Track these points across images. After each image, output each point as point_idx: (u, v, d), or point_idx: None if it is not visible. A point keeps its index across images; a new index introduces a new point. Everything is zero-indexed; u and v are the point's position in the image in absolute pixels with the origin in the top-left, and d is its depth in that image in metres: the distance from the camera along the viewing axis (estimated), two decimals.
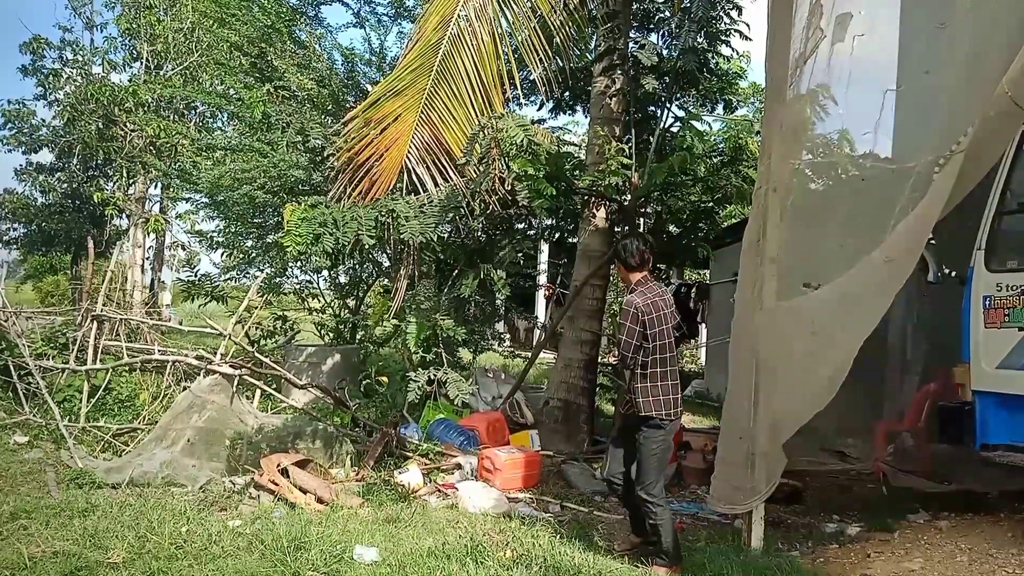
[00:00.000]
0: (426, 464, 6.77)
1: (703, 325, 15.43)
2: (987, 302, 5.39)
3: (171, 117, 19.43)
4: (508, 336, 15.91)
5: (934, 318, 6.91)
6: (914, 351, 7.55)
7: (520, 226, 9.89)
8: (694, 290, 14.49)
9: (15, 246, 24.05)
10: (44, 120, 22.37)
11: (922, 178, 4.36)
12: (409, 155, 7.08)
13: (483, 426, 7.62)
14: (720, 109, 9.90)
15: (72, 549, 4.54)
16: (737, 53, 9.63)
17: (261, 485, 5.85)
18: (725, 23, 8.88)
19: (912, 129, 4.90)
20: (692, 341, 17.51)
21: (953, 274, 6.30)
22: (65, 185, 22.92)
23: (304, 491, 5.77)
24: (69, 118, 20.08)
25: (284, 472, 5.94)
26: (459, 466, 6.73)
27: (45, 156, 22.93)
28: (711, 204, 9.16)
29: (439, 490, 6.31)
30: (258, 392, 7.91)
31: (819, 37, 4.72)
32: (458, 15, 7.16)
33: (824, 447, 7.83)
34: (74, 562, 4.30)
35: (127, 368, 8.32)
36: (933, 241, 4.66)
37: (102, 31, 22.41)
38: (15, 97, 22.42)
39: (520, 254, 10.38)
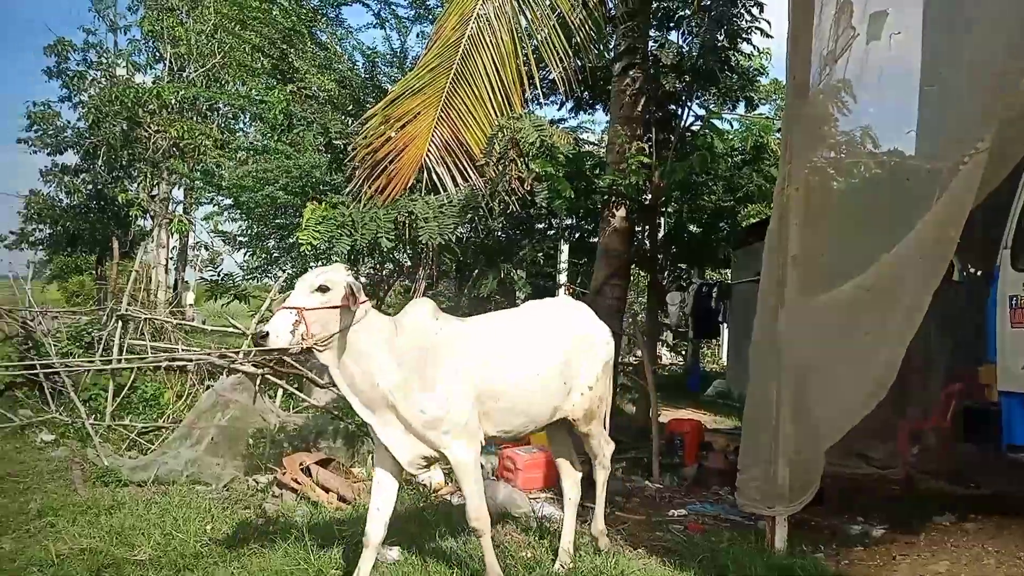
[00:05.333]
0: (447, 463, 6.78)
1: (724, 325, 15.41)
2: (1013, 301, 5.32)
3: (194, 118, 19.59)
4: None
5: (959, 317, 6.83)
6: (938, 351, 7.46)
7: (540, 226, 9.90)
8: (715, 290, 14.47)
9: (41, 247, 24.34)
10: (69, 122, 22.63)
11: (948, 176, 4.32)
12: (429, 154, 7.08)
13: None
14: (741, 107, 9.85)
15: (99, 546, 4.61)
16: (758, 50, 9.57)
17: (284, 483, 5.91)
18: (746, 20, 8.83)
19: (937, 127, 4.85)
20: (714, 340, 17.48)
21: (979, 273, 6.23)
22: (90, 186, 23.16)
23: (327, 490, 5.82)
24: (94, 120, 20.32)
25: (306, 471, 5.99)
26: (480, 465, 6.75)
27: (70, 158, 23.19)
28: (732, 203, 9.11)
29: (459, 489, 6.33)
30: (280, 391, 7.97)
31: (851, 35, 4.68)
32: (477, 14, 7.16)
33: (847, 449, 7.77)
34: (101, 559, 4.37)
35: (152, 367, 8.40)
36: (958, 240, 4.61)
37: (125, 33, 22.60)
38: (40, 99, 22.58)
39: (540, 254, 10.38)
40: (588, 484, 4.99)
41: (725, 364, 16.79)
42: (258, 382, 7.18)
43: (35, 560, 4.37)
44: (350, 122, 9.07)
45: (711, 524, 5.79)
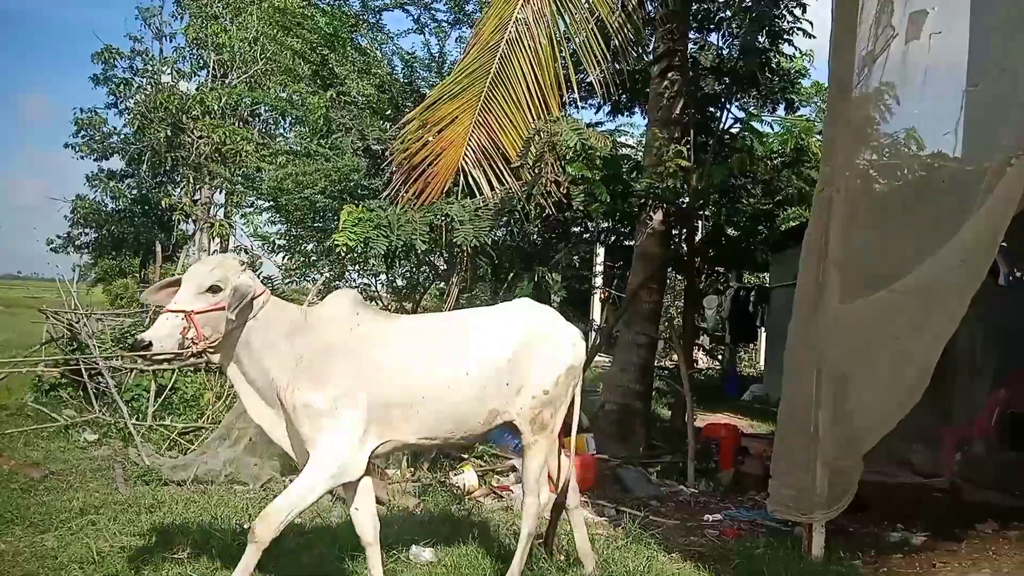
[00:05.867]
0: (481, 466, 6.80)
1: (762, 329, 15.24)
2: None
3: (236, 124, 19.92)
4: None
5: (1005, 322, 6.67)
6: (984, 356, 7.30)
7: (576, 229, 9.87)
8: (753, 294, 14.29)
9: (87, 250, 24.91)
10: (115, 128, 23.14)
11: (993, 178, 4.22)
12: (465, 158, 7.11)
13: None
14: (781, 109, 9.73)
15: (139, 544, 4.68)
16: (800, 52, 9.46)
17: None
18: (788, 21, 8.73)
19: (983, 129, 4.75)
20: (751, 344, 17.30)
21: None
22: (135, 191, 23.65)
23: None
24: (139, 126, 20.75)
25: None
26: (514, 468, 6.75)
27: (116, 163, 23.72)
28: (771, 207, 9.00)
29: (494, 492, 6.34)
30: None
31: (890, 35, 4.60)
32: (516, 18, 7.18)
33: (890, 456, 7.63)
34: (140, 557, 4.43)
35: (192, 368, 8.53)
36: (1004, 243, 4.50)
37: (171, 41, 23.09)
38: (87, 106, 23.15)
39: (576, 257, 10.35)
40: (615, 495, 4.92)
41: (762, 368, 16.59)
42: None
43: (76, 557, 4.45)
44: (388, 127, 9.14)
45: (747, 530, 5.72)
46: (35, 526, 5.14)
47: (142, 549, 4.57)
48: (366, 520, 3.95)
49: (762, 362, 16.83)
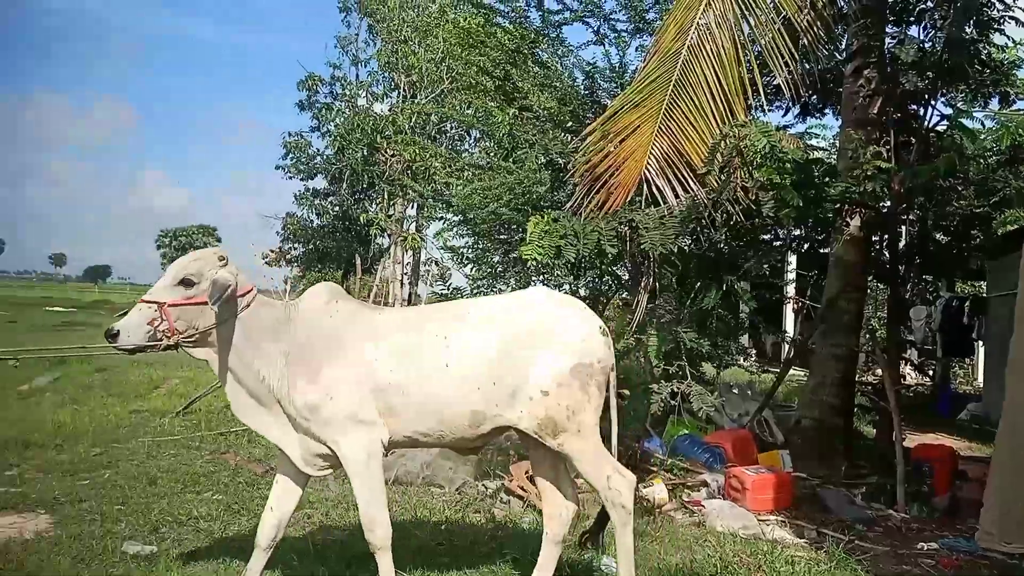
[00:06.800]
0: (670, 479, 6.70)
1: (979, 343, 13.94)
2: None
3: (425, 141, 20.91)
4: (754, 351, 15.32)
5: None
6: None
7: (766, 236, 9.51)
8: (967, 304, 13.13)
9: (296, 263, 27.09)
10: (318, 150, 25.01)
11: None
12: (648, 167, 7.05)
13: (729, 443, 7.42)
14: (995, 103, 8.88)
15: (349, 540, 5.01)
16: (1013, 41, 8.59)
17: (511, 490, 6.11)
18: (998, 9, 7.97)
19: None
20: (967, 359, 15.87)
21: None
22: (336, 208, 25.45)
23: None
24: (339, 147, 22.31)
25: (532, 479, 6.15)
26: (705, 483, 6.60)
27: (319, 182, 25.63)
28: (986, 209, 8.24)
29: (685, 506, 6.22)
30: None
31: None
32: (697, 23, 7.04)
33: None
34: (351, 551, 4.73)
35: None
36: None
37: (365, 66, 24.67)
38: (294, 130, 25.20)
39: (766, 266, 9.97)
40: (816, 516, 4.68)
41: (981, 386, 15.17)
42: None
43: (296, 549, 4.83)
44: (570, 139, 9.25)
45: (968, 562, 5.25)
46: (258, 518, 5.62)
47: (351, 544, 4.87)
48: (271, 523, 3.97)
49: (980, 379, 15.39)
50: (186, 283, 3.63)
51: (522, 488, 6.10)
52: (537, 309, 3.87)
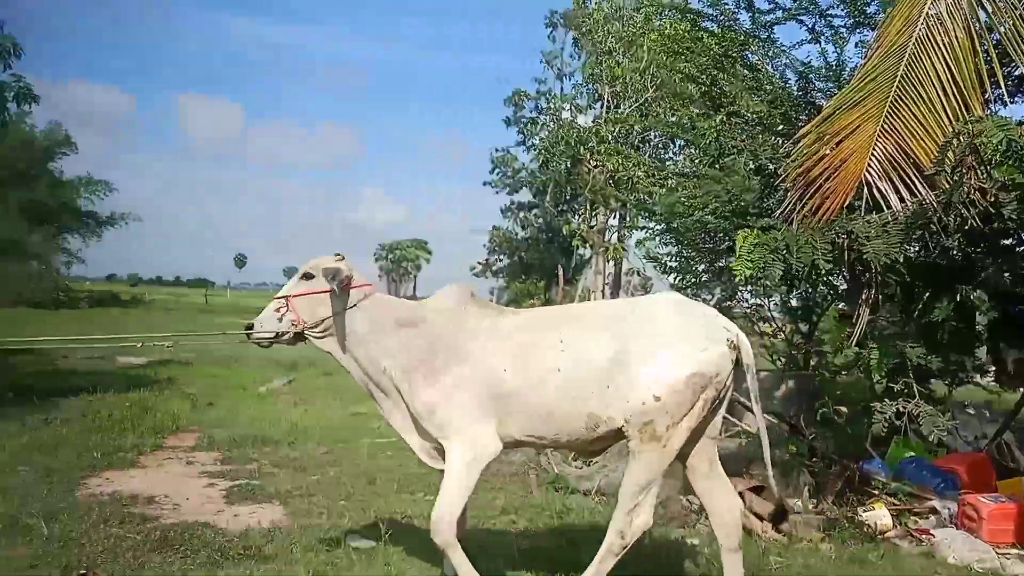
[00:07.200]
0: (894, 504, 6.22)
1: None
2: None
3: (628, 151, 20.90)
4: (993, 368, 13.90)
5: None
6: None
7: (1007, 242, 8.59)
8: None
9: (502, 274, 28.06)
10: (523, 164, 25.75)
11: None
12: (869, 169, 6.62)
13: (963, 468, 6.78)
14: None
15: (554, 547, 5.10)
16: None
17: None
18: None
19: None
20: None
21: None
22: (540, 220, 26.08)
23: (760, 518, 5.71)
24: (543, 160, 22.82)
25: (740, 496, 5.95)
26: (934, 510, 6.07)
27: (524, 195, 26.39)
28: None
29: (911, 534, 5.77)
30: None
31: None
32: (926, 13, 6.55)
33: None
34: (553, 560, 4.80)
35: None
36: None
37: (570, 79, 25.11)
38: (501, 146, 26.12)
39: (1007, 274, 9.01)
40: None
41: None
42: None
43: (501, 552, 4.99)
44: (781, 143, 8.88)
45: None
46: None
47: (552, 555, 4.94)
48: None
49: None
50: (307, 276, 4.09)
51: None
52: (661, 315, 3.89)
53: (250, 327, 4.11)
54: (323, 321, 4.06)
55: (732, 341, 3.84)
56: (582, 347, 3.81)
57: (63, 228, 47.65)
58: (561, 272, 21.70)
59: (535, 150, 24.35)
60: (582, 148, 20.76)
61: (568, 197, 24.11)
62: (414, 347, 4.00)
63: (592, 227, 22.66)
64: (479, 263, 28.42)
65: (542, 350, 3.86)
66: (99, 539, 5.07)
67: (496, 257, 27.91)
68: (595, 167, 20.76)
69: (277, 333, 4.08)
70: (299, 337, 4.11)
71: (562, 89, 25.17)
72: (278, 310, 4.07)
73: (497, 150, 25.57)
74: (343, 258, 4.16)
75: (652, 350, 3.75)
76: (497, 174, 26.06)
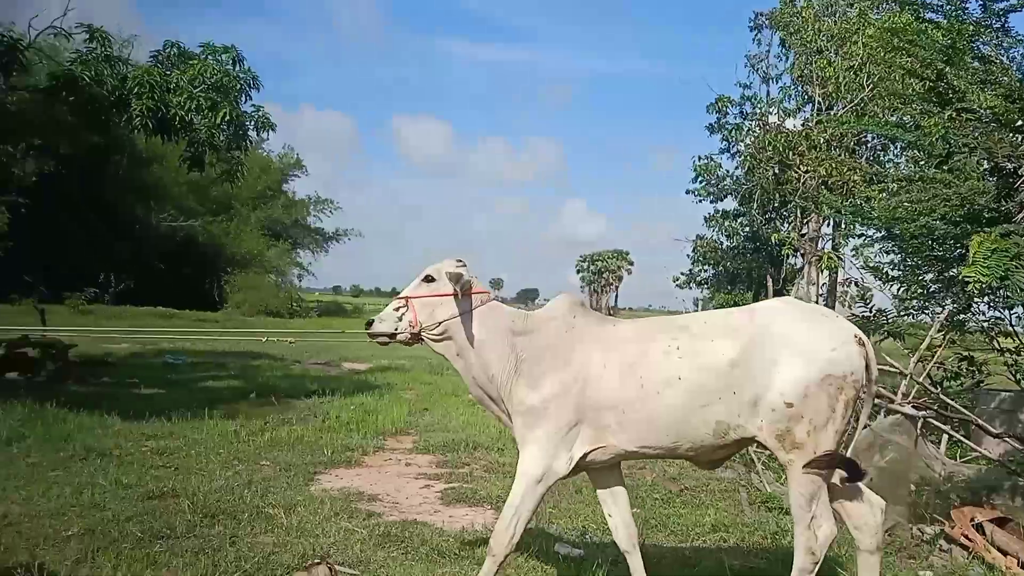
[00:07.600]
0: None
1: None
2: None
3: (841, 155, 19.77)
4: None
5: None
6: None
7: None
8: None
9: (706, 286, 27.41)
10: (728, 171, 25.05)
11: None
12: None
13: None
14: None
15: (763, 569, 4.93)
16: None
17: (952, 538, 5.49)
18: None
19: None
20: None
21: None
22: (746, 229, 25.24)
23: (1004, 552, 5.21)
24: (749, 167, 22.10)
25: (979, 528, 5.46)
26: None
27: (729, 203, 25.65)
28: None
29: None
30: (945, 437, 7.44)
31: None
32: None
33: None
34: None
35: None
36: None
37: (777, 82, 24.16)
38: (703, 153, 25.48)
39: None
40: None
41: None
42: (919, 425, 6.84)
43: (711, 572, 4.89)
44: (1019, 140, 8.07)
45: None
46: (675, 535, 5.83)
47: (763, 572, 4.79)
48: (619, 525, 4.20)
49: None
50: (428, 279, 4.16)
51: (966, 536, 5.44)
52: (780, 316, 3.80)
53: (370, 324, 4.20)
54: (440, 324, 4.12)
55: (860, 337, 3.71)
56: (702, 354, 3.75)
57: (296, 244, 52.58)
58: (770, 283, 20.78)
59: (740, 156, 23.65)
60: (791, 153, 19.86)
61: (776, 204, 23.10)
62: (523, 355, 4.06)
63: (803, 235, 21.60)
64: (682, 273, 27.95)
65: (658, 358, 3.81)
66: (331, 531, 5.54)
67: (700, 268, 27.30)
68: (805, 172, 19.78)
69: (395, 332, 4.16)
70: (416, 338, 4.17)
71: (768, 93, 24.26)
72: (397, 309, 4.15)
73: (700, 158, 25.03)
74: (465, 264, 4.24)
75: (778, 351, 3.65)
76: (700, 182, 25.47)
